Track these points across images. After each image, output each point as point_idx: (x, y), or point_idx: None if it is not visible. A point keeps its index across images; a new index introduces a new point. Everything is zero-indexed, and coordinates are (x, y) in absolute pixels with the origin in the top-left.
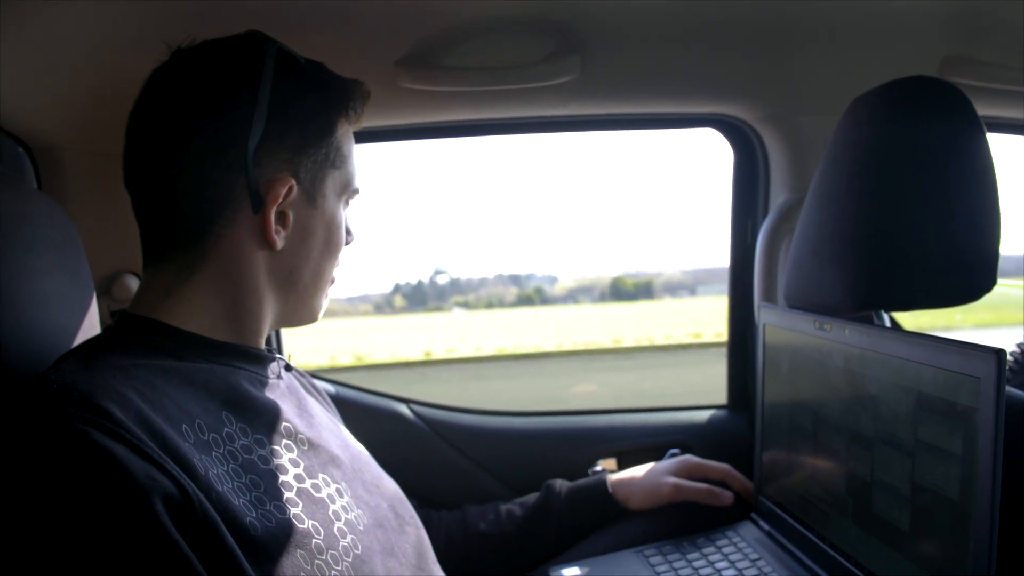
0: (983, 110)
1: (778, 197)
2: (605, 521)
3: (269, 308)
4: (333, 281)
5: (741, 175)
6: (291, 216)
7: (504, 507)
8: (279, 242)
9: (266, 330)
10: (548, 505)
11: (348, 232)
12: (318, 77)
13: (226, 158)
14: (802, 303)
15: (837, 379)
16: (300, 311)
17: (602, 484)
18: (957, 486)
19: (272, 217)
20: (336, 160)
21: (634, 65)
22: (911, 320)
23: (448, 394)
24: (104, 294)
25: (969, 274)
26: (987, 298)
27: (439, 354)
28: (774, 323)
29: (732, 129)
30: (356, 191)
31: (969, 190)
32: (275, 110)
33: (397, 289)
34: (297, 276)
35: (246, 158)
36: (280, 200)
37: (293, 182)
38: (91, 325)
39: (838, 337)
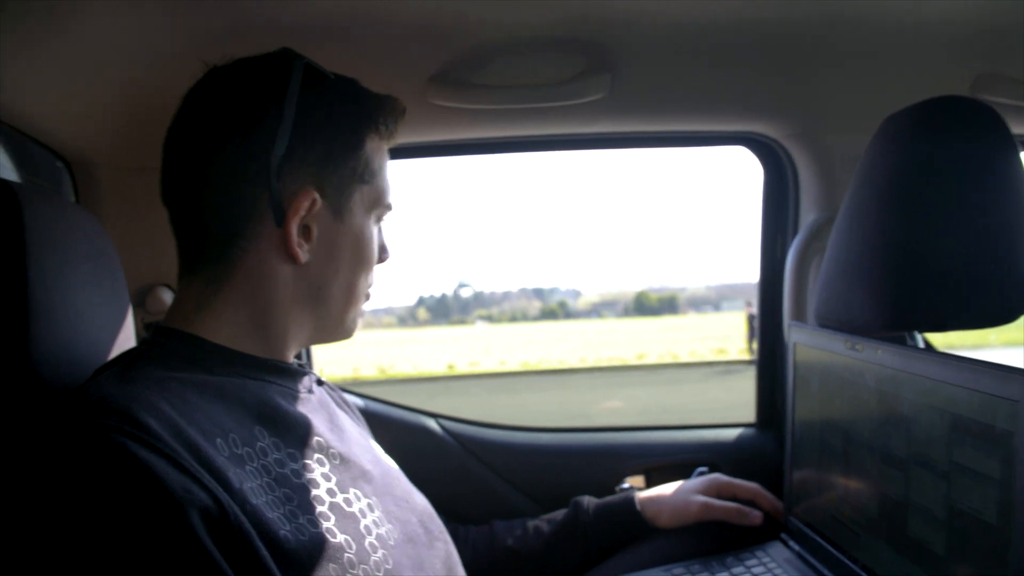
0: (1017, 128)
1: (808, 215)
2: (633, 539)
3: (298, 323)
4: (368, 297)
5: (771, 193)
6: (315, 230)
7: (532, 523)
8: (302, 255)
9: (295, 345)
10: (576, 522)
11: (383, 249)
12: (348, 92)
13: (250, 172)
14: (832, 322)
15: (869, 399)
16: (332, 326)
17: (630, 502)
18: (995, 510)
19: (294, 230)
20: (365, 175)
21: (664, 83)
22: (941, 338)
23: (473, 408)
24: (139, 306)
25: (1003, 295)
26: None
27: (463, 367)
28: (804, 342)
29: (761, 147)
30: (388, 207)
31: (1002, 210)
32: (300, 125)
33: (421, 302)
34: (325, 291)
35: (269, 172)
36: (304, 214)
37: (316, 195)
38: (126, 337)
39: (870, 357)
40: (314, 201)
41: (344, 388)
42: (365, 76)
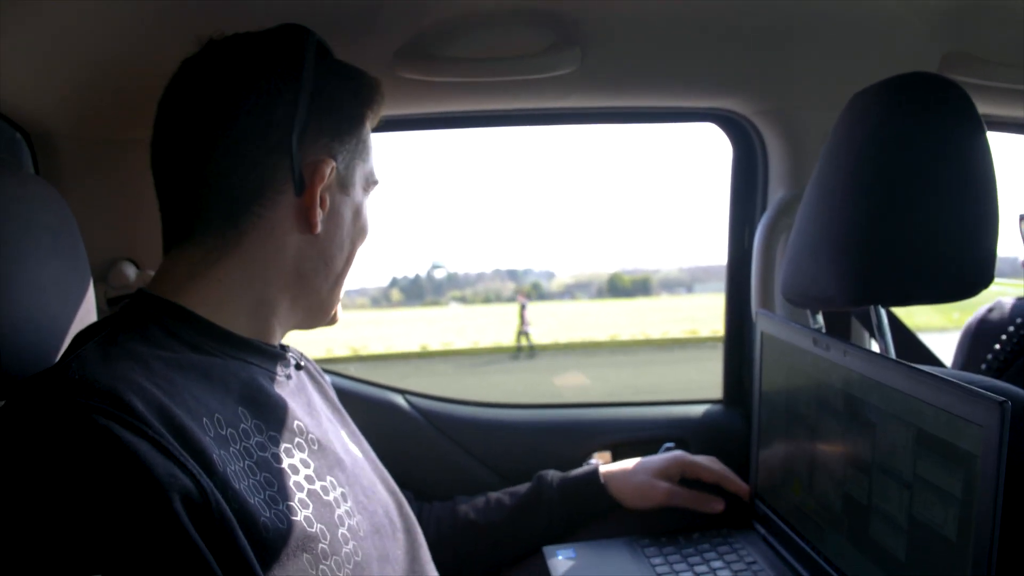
0: (983, 108)
1: (776, 192)
2: (597, 514)
3: (290, 297)
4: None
5: (740, 170)
6: (328, 200)
7: (494, 496)
8: (319, 225)
9: (280, 325)
10: (539, 495)
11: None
12: (350, 71)
13: (270, 141)
14: (799, 297)
15: (835, 399)
16: (317, 304)
17: (595, 476)
18: (955, 527)
19: (317, 198)
20: (363, 152)
21: (634, 58)
22: (907, 319)
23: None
24: (101, 280)
25: (966, 271)
26: (984, 296)
27: (436, 348)
28: (771, 332)
29: (731, 123)
30: (376, 183)
31: (968, 187)
32: (316, 96)
33: (394, 283)
34: (330, 262)
35: (291, 140)
36: (323, 182)
37: (334, 164)
38: (87, 311)
39: (837, 359)
40: (333, 170)
41: None
42: (331, 48)
